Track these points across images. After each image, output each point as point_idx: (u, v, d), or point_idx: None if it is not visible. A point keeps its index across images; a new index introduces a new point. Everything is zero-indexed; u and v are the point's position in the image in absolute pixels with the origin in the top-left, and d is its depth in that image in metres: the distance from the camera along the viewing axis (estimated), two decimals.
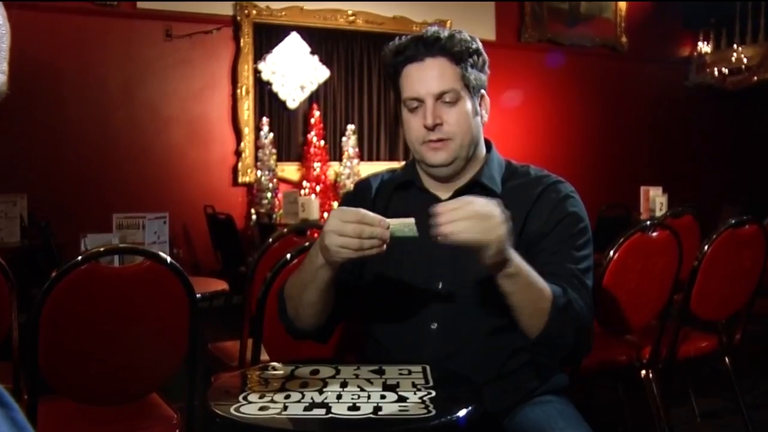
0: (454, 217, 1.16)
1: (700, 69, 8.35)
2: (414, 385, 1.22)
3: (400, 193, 1.52)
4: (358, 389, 1.21)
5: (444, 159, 1.43)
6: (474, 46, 1.43)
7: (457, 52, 1.40)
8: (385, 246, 1.19)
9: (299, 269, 1.39)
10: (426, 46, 1.41)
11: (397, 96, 1.48)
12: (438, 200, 1.43)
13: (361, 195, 1.56)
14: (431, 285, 1.43)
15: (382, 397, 1.17)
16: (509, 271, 1.23)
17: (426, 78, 1.40)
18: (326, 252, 1.23)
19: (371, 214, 1.20)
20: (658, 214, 4.71)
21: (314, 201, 5.34)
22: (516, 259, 1.23)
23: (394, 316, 1.46)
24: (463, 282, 1.38)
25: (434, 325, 1.42)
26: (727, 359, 2.65)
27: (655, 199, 5.04)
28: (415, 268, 1.43)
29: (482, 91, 1.47)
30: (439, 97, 1.40)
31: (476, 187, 1.46)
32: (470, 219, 1.16)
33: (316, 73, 6.63)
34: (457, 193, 1.45)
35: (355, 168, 6.66)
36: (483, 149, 1.51)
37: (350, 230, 1.18)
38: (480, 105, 1.47)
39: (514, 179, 1.49)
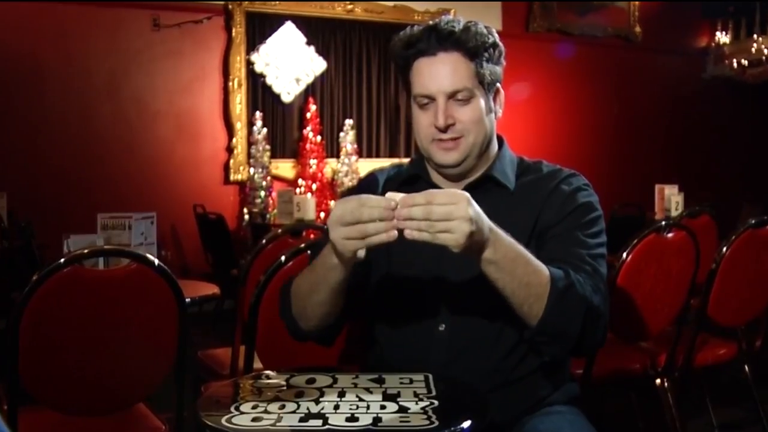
0: (412, 214, 1.14)
1: (718, 60, 8.35)
2: (416, 394, 1.22)
3: (408, 188, 1.52)
4: (357, 399, 1.20)
5: (455, 159, 1.44)
6: (490, 40, 1.43)
7: (472, 47, 1.40)
8: (395, 232, 1.15)
9: (311, 267, 1.39)
10: (439, 39, 1.40)
11: (406, 90, 1.49)
12: None
13: (367, 189, 1.56)
14: (440, 285, 1.43)
15: (382, 407, 1.16)
16: (487, 256, 1.22)
17: (438, 74, 1.41)
18: (335, 248, 1.22)
19: (373, 196, 1.17)
20: (674, 213, 4.72)
21: (310, 200, 5.35)
22: (497, 242, 1.22)
23: (400, 317, 1.46)
24: (473, 282, 1.38)
25: (442, 327, 1.42)
26: (746, 367, 2.66)
27: (671, 198, 5.05)
28: (423, 267, 1.43)
29: (497, 85, 1.48)
30: (451, 95, 1.41)
31: (488, 182, 1.48)
32: (428, 218, 1.13)
33: (313, 64, 6.63)
34: (468, 188, 1.46)
35: (354, 165, 6.66)
36: (495, 146, 1.52)
37: (350, 217, 1.16)
38: (494, 100, 1.48)
39: (526, 175, 1.51)
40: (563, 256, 1.36)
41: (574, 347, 1.34)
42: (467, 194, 1.17)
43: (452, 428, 1.08)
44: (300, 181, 6.52)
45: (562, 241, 1.40)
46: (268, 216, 6.20)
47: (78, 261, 1.69)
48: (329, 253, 1.28)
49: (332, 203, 6.37)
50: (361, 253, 1.22)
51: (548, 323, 1.28)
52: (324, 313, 1.40)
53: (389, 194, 1.17)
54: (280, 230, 2.69)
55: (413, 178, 1.54)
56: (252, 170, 6.33)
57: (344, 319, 1.48)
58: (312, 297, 1.38)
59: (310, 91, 6.69)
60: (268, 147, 6.39)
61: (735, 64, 8.12)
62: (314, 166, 6.54)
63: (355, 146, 6.77)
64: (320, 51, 6.69)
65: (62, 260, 1.66)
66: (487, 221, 1.20)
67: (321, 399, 1.21)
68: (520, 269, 1.25)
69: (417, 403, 1.18)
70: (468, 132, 1.42)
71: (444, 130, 1.41)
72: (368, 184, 1.58)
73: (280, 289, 1.52)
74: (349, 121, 6.79)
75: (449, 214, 1.14)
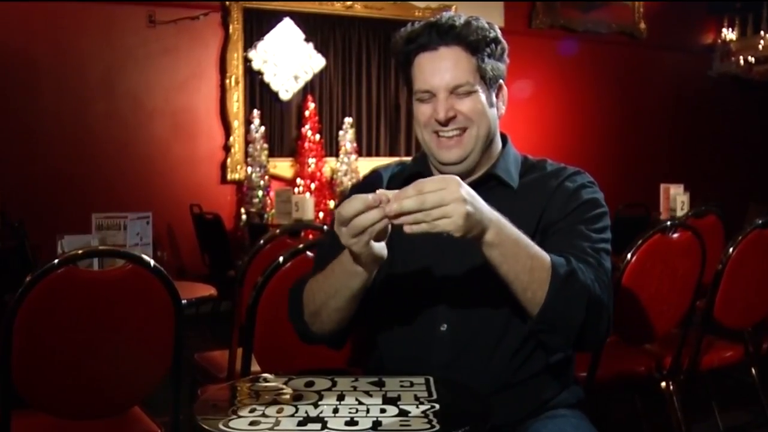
0: (404, 207, 1.14)
1: (725, 57, 8.35)
2: (416, 397, 1.22)
3: None
4: (356, 402, 1.21)
5: (458, 156, 1.44)
6: (492, 35, 1.44)
7: (473, 41, 1.41)
8: (386, 222, 1.16)
9: (328, 273, 1.39)
10: (440, 33, 1.41)
11: (407, 86, 1.49)
12: None
13: (370, 186, 1.56)
14: (441, 284, 1.43)
15: (382, 410, 1.17)
16: (488, 239, 1.22)
17: (440, 69, 1.41)
18: (353, 254, 1.25)
19: (361, 195, 1.18)
20: (680, 213, 4.71)
21: (309, 200, 5.34)
22: (498, 223, 1.22)
23: (402, 317, 1.47)
24: (475, 281, 1.38)
25: (444, 326, 1.42)
26: (753, 370, 2.66)
27: (676, 198, 5.04)
28: (424, 265, 1.43)
29: (500, 81, 1.48)
30: (452, 90, 1.41)
31: (492, 181, 1.48)
32: (421, 207, 1.14)
33: (311, 61, 6.63)
34: (471, 187, 1.46)
35: (353, 164, 6.66)
36: (499, 143, 1.52)
37: (344, 216, 1.18)
38: (497, 96, 1.48)
39: (530, 173, 1.51)
40: (566, 247, 1.36)
41: (577, 339, 1.33)
42: (456, 177, 1.18)
43: None
44: (298, 181, 6.52)
45: (566, 234, 1.40)
46: (265, 216, 6.20)
47: (72, 262, 1.69)
48: (350, 260, 1.28)
49: (331, 203, 6.39)
50: (384, 252, 1.24)
51: (550, 309, 1.28)
52: (340, 318, 1.41)
53: (380, 191, 1.18)
54: (278, 230, 2.69)
55: (416, 176, 1.54)
56: (249, 169, 6.32)
57: (356, 322, 1.48)
58: (330, 303, 1.39)
59: (308, 88, 6.69)
60: (265, 146, 6.39)
61: (741, 61, 8.11)
62: (313, 165, 6.53)
63: (355, 145, 6.76)
64: (319, 48, 6.69)
65: (56, 261, 1.66)
66: (484, 204, 1.21)
67: (320, 402, 1.21)
68: (522, 253, 1.26)
69: (418, 407, 1.18)
70: (471, 124, 1.42)
71: (445, 123, 1.42)
72: (372, 182, 1.58)
73: (289, 292, 1.52)
74: (348, 120, 6.78)
75: (442, 199, 1.14)
